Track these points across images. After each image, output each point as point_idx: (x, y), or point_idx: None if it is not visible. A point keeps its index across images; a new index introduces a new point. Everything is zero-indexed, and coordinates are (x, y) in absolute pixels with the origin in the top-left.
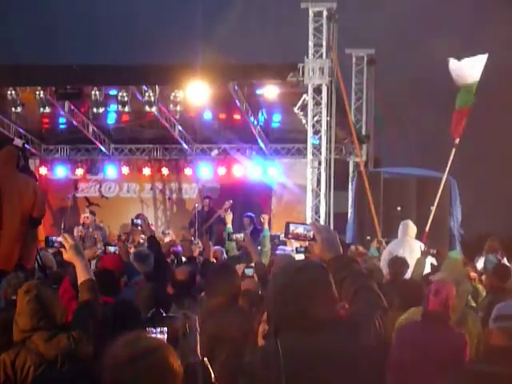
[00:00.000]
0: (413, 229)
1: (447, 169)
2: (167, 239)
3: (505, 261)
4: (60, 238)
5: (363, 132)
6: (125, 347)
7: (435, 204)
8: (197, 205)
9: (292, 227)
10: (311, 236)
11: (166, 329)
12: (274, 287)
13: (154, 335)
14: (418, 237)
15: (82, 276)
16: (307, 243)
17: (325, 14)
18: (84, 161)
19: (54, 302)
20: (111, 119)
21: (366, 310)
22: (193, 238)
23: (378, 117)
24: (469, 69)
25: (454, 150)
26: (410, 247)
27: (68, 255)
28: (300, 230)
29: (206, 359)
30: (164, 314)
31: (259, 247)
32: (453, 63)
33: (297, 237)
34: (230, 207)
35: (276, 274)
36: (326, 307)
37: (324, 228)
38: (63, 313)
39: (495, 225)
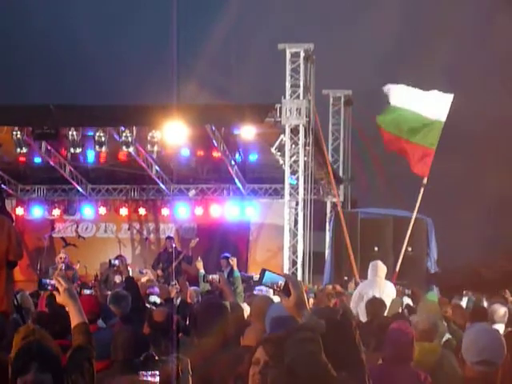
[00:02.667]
0: (383, 269)
1: (416, 208)
2: (144, 279)
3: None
4: (53, 281)
5: (341, 172)
6: None
7: (405, 243)
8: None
9: (267, 276)
10: (282, 287)
11: (157, 372)
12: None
13: (146, 379)
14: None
15: (75, 319)
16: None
17: (302, 54)
18: (61, 201)
19: (52, 346)
20: (88, 159)
21: None
22: (160, 279)
23: (364, 153)
24: (432, 104)
25: (422, 190)
26: (380, 288)
27: (61, 298)
28: (278, 280)
29: None
30: (156, 358)
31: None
32: (415, 92)
33: (271, 285)
34: (196, 245)
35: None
36: None
37: (298, 283)
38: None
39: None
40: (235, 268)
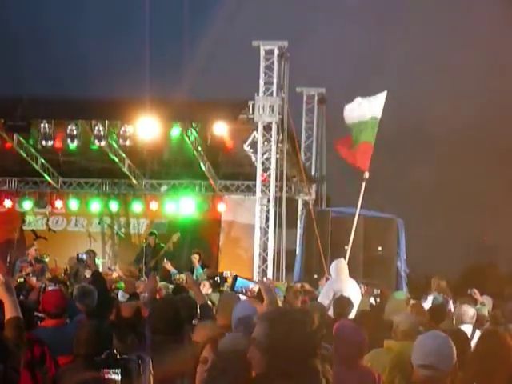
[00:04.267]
0: (345, 267)
1: (359, 203)
2: (114, 275)
3: (450, 302)
4: None
5: (313, 171)
6: None
7: (350, 244)
8: (144, 241)
9: (239, 282)
10: (255, 292)
11: (119, 370)
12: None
13: (108, 376)
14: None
15: (9, 313)
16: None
17: (276, 52)
18: (32, 193)
19: None
20: (60, 152)
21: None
22: (140, 275)
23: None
24: (366, 106)
25: (364, 184)
26: (346, 286)
27: None
28: (250, 285)
29: None
30: (118, 356)
31: None
32: (349, 107)
33: (243, 292)
34: (178, 240)
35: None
36: None
37: (269, 288)
38: None
39: (442, 265)
40: (197, 265)
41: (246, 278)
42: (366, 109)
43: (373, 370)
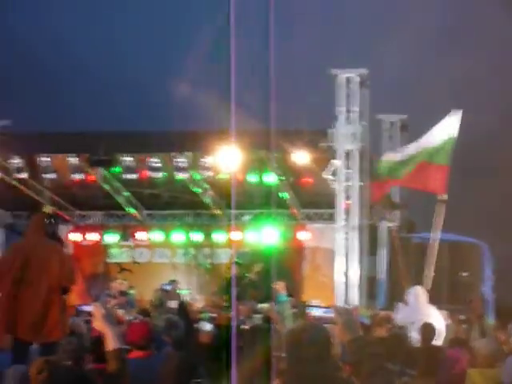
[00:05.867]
0: (423, 294)
1: (440, 225)
2: (199, 305)
3: None
4: (90, 307)
5: (397, 197)
6: None
7: (429, 269)
8: (228, 270)
9: (309, 310)
10: (331, 318)
11: None
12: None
13: None
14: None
15: (111, 345)
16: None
17: (356, 79)
18: (116, 226)
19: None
20: (143, 185)
21: None
22: (225, 304)
23: None
24: (441, 130)
25: (443, 207)
26: (426, 312)
27: (98, 323)
28: (319, 312)
29: None
30: None
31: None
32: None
33: (316, 319)
34: (261, 270)
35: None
36: None
37: (344, 310)
38: None
39: None
40: (281, 292)
41: (317, 306)
42: (434, 135)
43: None
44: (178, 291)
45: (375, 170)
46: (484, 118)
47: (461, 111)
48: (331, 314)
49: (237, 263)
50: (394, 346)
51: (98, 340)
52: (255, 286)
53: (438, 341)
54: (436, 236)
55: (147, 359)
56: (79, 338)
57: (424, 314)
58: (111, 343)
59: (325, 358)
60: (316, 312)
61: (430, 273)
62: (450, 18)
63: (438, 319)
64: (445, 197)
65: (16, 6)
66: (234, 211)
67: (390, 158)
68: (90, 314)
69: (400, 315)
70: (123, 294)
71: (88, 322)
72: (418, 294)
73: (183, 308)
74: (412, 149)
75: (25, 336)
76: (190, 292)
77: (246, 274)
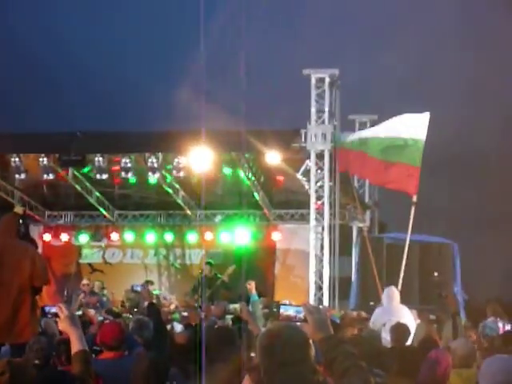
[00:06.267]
0: (397, 294)
1: (409, 228)
2: (172, 306)
3: (507, 326)
4: (55, 309)
5: (366, 198)
6: None
7: (402, 269)
8: (200, 271)
9: (282, 309)
10: (302, 317)
11: None
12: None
13: None
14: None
15: (75, 347)
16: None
17: (327, 80)
18: (88, 227)
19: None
20: (115, 185)
21: None
22: (197, 305)
23: None
24: (411, 125)
25: (413, 208)
26: (399, 313)
27: (62, 325)
28: (291, 311)
29: None
30: None
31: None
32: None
33: (288, 319)
34: (233, 272)
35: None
36: None
37: (315, 309)
38: None
39: (501, 289)
40: (253, 292)
41: (288, 304)
42: (406, 127)
43: None
44: (148, 292)
45: (339, 139)
46: (457, 116)
47: (428, 113)
48: (302, 314)
49: (209, 263)
50: (366, 346)
51: (67, 341)
52: (227, 288)
53: (408, 341)
54: (406, 236)
55: (119, 360)
56: (50, 338)
57: (397, 315)
58: (75, 345)
59: (302, 361)
60: (287, 311)
61: (400, 273)
62: (434, 15)
63: (411, 320)
64: (415, 198)
65: None
66: (204, 211)
67: (358, 134)
68: (55, 315)
69: (373, 317)
70: (94, 293)
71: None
72: (392, 295)
73: (153, 308)
74: (381, 130)
75: None
76: (161, 293)
77: (219, 276)
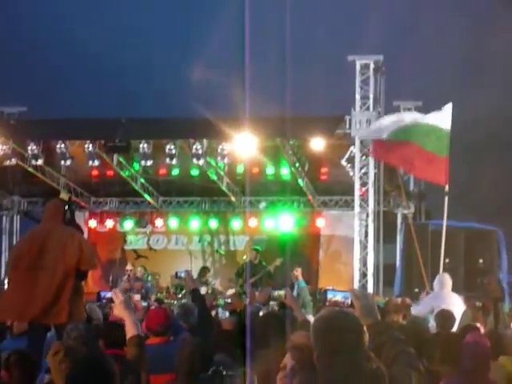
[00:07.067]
0: (449, 281)
1: (444, 217)
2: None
3: None
4: (110, 294)
5: (411, 185)
6: None
7: (441, 256)
8: (244, 257)
9: (330, 295)
10: (349, 303)
11: None
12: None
13: None
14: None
15: (130, 331)
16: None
17: (372, 66)
18: (133, 213)
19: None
20: (159, 172)
21: (405, 371)
22: (239, 290)
23: None
24: (436, 116)
25: (446, 198)
26: (449, 300)
27: (117, 310)
28: (338, 297)
29: None
30: (224, 373)
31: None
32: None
33: (335, 304)
34: (281, 265)
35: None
36: None
37: (362, 294)
38: None
39: None
40: (300, 279)
41: (336, 290)
42: (433, 117)
43: (499, 383)
44: (191, 278)
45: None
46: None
47: (450, 104)
48: (349, 299)
49: (256, 250)
50: (409, 333)
51: (112, 325)
52: (271, 277)
53: (453, 328)
54: (449, 224)
55: (164, 345)
56: (93, 324)
57: (446, 303)
58: (130, 330)
59: (356, 347)
60: (335, 297)
61: (445, 260)
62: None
63: (461, 308)
64: (447, 188)
65: None
66: (249, 198)
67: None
68: (110, 300)
69: (423, 303)
70: (138, 279)
71: (108, 308)
72: (444, 282)
73: (197, 294)
74: (407, 118)
75: (35, 318)
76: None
77: (264, 264)
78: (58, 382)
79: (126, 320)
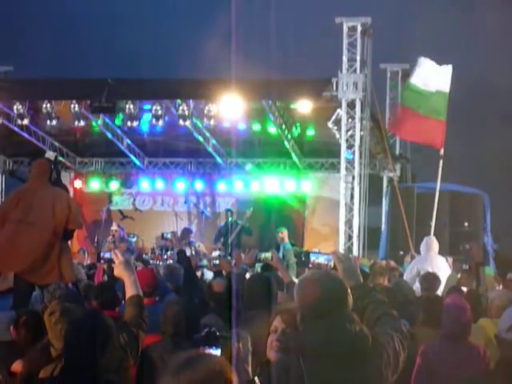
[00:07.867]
0: (436, 244)
1: (438, 180)
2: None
3: None
4: (110, 254)
5: (397, 149)
6: (187, 366)
7: (433, 220)
8: (229, 219)
9: (313, 257)
10: (332, 265)
11: (219, 348)
12: None
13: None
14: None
15: (130, 291)
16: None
17: (359, 28)
18: (118, 174)
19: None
20: (145, 133)
21: (388, 333)
22: (221, 252)
23: None
24: (433, 75)
25: (441, 162)
26: (433, 263)
27: (118, 270)
28: (321, 259)
29: (256, 379)
30: (217, 333)
31: (284, 262)
32: (424, 62)
33: (319, 266)
34: (251, 214)
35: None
36: None
37: (345, 257)
38: None
39: None
40: (286, 240)
41: (318, 252)
42: (431, 79)
43: (479, 345)
44: (177, 239)
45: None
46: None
47: (450, 66)
48: (332, 262)
49: (228, 210)
50: (393, 295)
51: (104, 286)
52: (248, 232)
53: (437, 291)
54: (436, 186)
55: (151, 306)
56: (85, 284)
57: (432, 265)
58: (130, 290)
59: (340, 310)
60: (318, 259)
61: (432, 223)
62: None
63: (447, 271)
64: (442, 151)
65: None
66: (234, 160)
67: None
68: (110, 260)
69: (410, 265)
70: (123, 240)
71: (91, 268)
72: (430, 245)
73: (183, 255)
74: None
75: (21, 272)
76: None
77: (238, 221)
78: (53, 341)
79: (126, 280)
